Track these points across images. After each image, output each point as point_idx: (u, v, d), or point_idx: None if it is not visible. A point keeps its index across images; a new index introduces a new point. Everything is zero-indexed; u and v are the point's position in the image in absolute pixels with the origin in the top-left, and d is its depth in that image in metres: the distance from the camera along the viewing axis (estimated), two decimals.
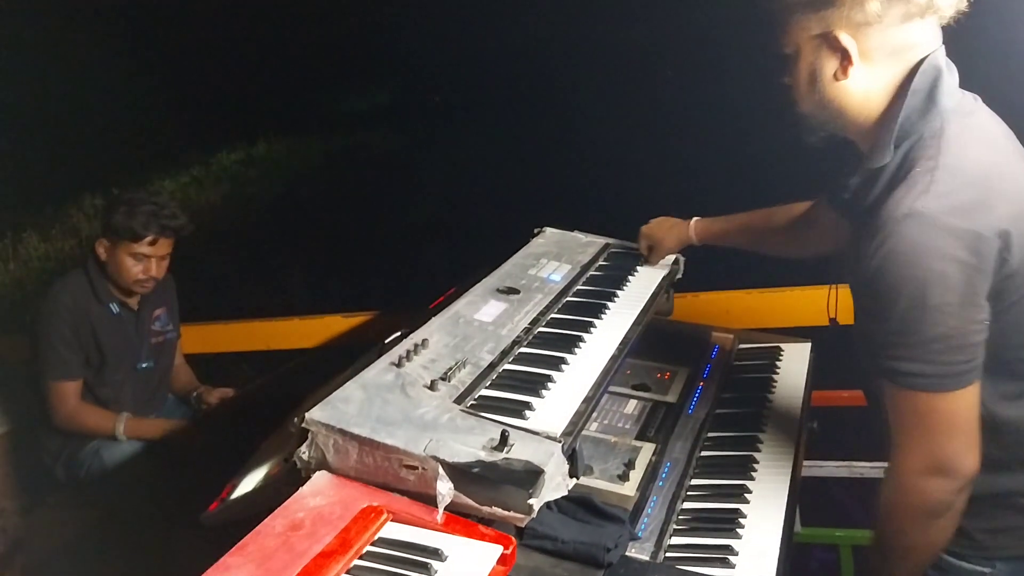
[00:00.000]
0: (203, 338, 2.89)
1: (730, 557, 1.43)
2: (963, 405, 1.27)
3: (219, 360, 3.01)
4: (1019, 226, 1.25)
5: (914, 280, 1.22)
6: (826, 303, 2.04)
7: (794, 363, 2.11)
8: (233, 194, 3.14)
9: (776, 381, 2.02)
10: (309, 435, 1.32)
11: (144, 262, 2.49)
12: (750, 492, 1.61)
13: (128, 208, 2.45)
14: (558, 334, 1.71)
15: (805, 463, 1.82)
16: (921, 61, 1.29)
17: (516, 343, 1.65)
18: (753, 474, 1.67)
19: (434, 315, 1.73)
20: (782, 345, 2.18)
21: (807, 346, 2.18)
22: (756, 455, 1.73)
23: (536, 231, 2.28)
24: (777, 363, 2.10)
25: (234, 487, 1.73)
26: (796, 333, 2.26)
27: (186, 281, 2.75)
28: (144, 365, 2.62)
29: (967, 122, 1.31)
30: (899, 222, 1.23)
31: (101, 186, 2.50)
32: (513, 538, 1.25)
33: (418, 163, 2.97)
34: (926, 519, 1.30)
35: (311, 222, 3.11)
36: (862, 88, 1.33)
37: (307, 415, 1.31)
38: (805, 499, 1.96)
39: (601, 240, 2.24)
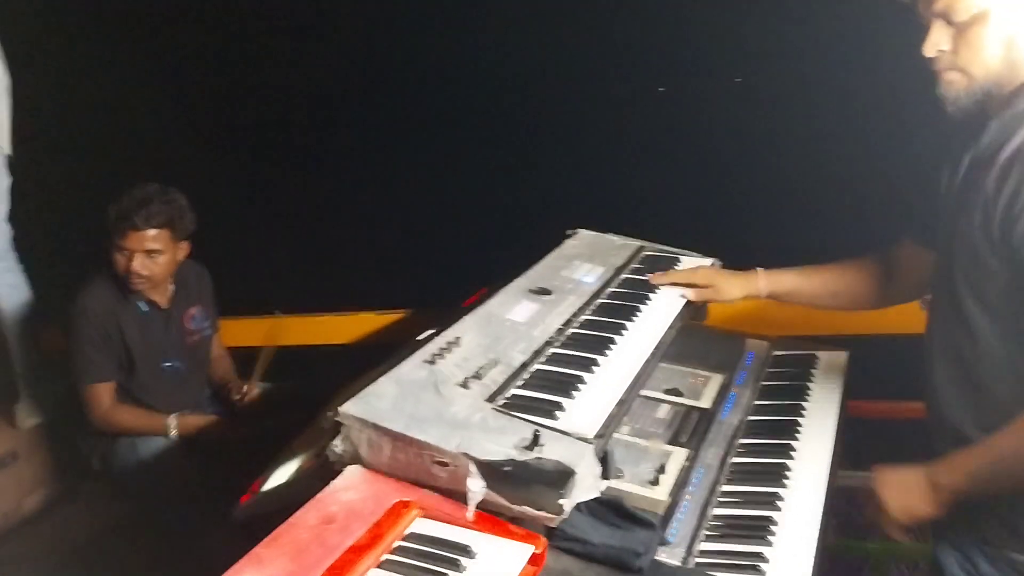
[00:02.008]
0: (235, 333, 2.91)
1: (761, 564, 1.41)
2: None
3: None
4: None
5: None
6: (865, 312, 2.01)
7: (830, 372, 2.08)
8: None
9: (811, 390, 1.99)
10: (342, 429, 1.33)
11: (127, 257, 2.42)
12: (782, 500, 1.59)
13: (115, 202, 2.41)
14: (590, 336, 1.71)
15: (840, 472, 1.79)
16: None
17: (548, 343, 1.65)
18: (786, 482, 1.64)
19: (467, 314, 1.73)
20: (818, 353, 2.15)
21: (844, 355, 2.15)
22: (789, 463, 1.70)
23: (569, 233, 2.27)
24: (812, 371, 2.07)
25: (265, 480, 1.75)
26: (833, 342, 2.22)
27: (220, 275, 2.77)
28: (169, 364, 2.60)
29: None
30: None
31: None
32: (544, 538, 1.24)
33: (452, 161, 2.98)
34: None
35: (344, 217, 3.12)
36: None
37: (341, 409, 1.32)
38: (838, 510, 1.92)
39: (635, 243, 2.23)
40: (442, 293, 2.19)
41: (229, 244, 2.86)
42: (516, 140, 2.88)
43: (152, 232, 2.42)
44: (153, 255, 2.44)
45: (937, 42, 1.35)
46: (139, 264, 2.43)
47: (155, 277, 2.48)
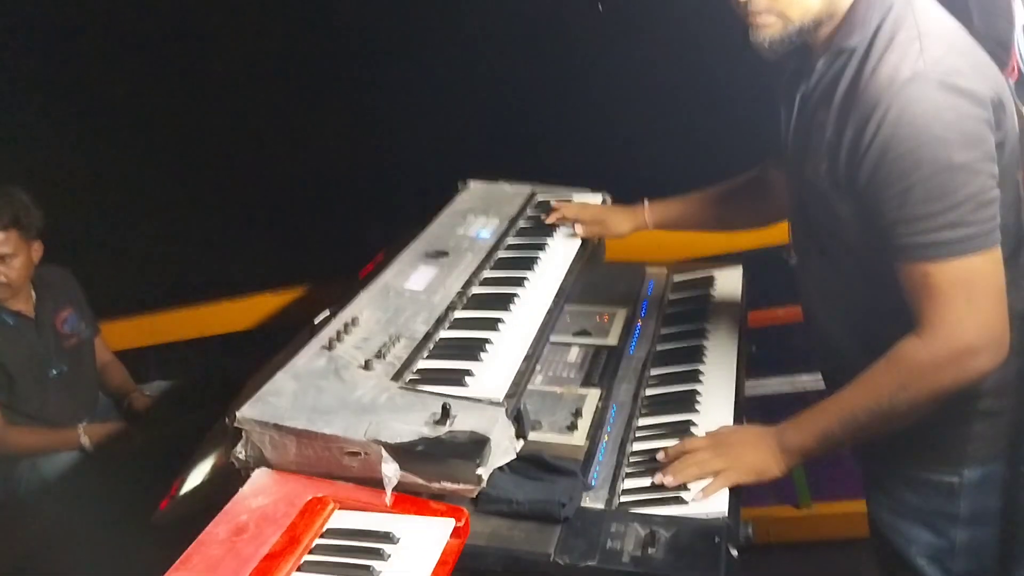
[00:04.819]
0: (129, 333, 2.78)
1: (682, 494, 1.45)
2: (999, 263, 1.24)
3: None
4: (1001, 95, 1.26)
5: (935, 140, 1.19)
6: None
7: (728, 289, 2.13)
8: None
9: (712, 310, 2.03)
10: (243, 433, 1.28)
11: None
12: (695, 425, 1.63)
13: None
14: (492, 294, 1.69)
15: (748, 383, 1.85)
16: None
17: (450, 309, 1.62)
18: (697, 407, 1.68)
19: (363, 288, 1.68)
20: (715, 272, 2.19)
21: (739, 270, 2.20)
22: (698, 388, 1.74)
23: (460, 185, 2.22)
24: (711, 291, 2.11)
25: (183, 483, 1.68)
26: (731, 259, 2.27)
27: (98, 275, 2.63)
28: (56, 372, 2.49)
29: None
30: (904, 86, 1.20)
31: None
32: (465, 509, 1.24)
33: (329, 124, 2.86)
34: (956, 388, 1.27)
35: (224, 198, 2.97)
36: None
37: (238, 413, 1.27)
38: (753, 419, 2.00)
39: (526, 188, 2.20)
40: (339, 261, 2.13)
41: (101, 242, 2.70)
42: (394, 94, 2.79)
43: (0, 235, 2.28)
44: (6, 259, 2.32)
45: None
46: None
47: (13, 283, 2.36)
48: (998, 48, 2.00)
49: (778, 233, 2.20)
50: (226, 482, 1.34)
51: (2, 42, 2.82)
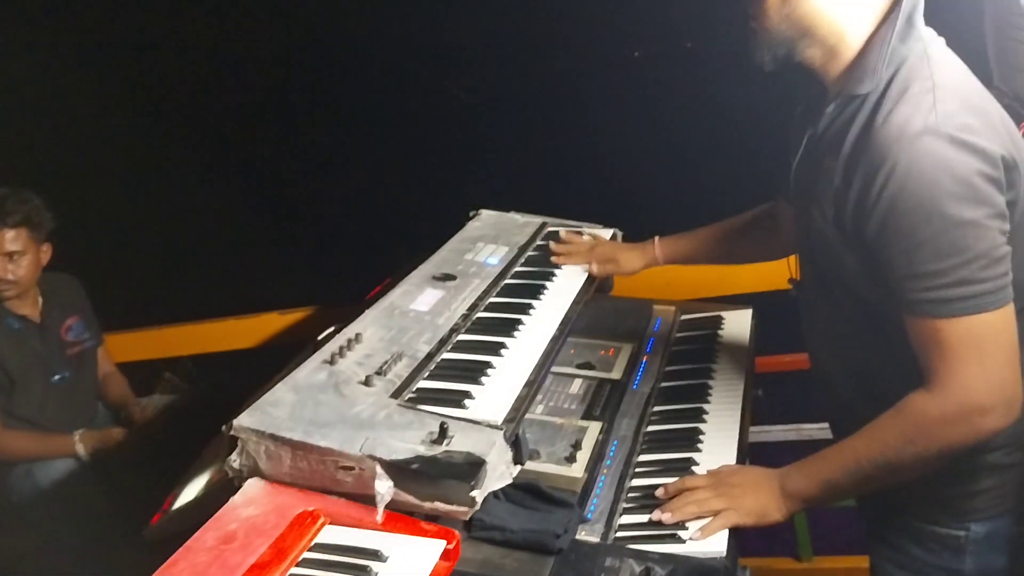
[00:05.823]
0: (134, 345, 2.79)
1: (680, 532, 1.42)
2: (1012, 321, 1.23)
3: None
4: (1015, 155, 1.24)
5: (946, 196, 1.17)
6: (767, 269, 2.06)
7: (736, 331, 2.11)
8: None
9: (719, 350, 2.02)
10: (239, 442, 1.27)
11: None
12: (697, 464, 1.60)
13: None
14: (496, 319, 1.68)
15: (752, 429, 1.82)
16: None
17: (454, 331, 1.62)
18: (699, 446, 1.66)
19: (369, 308, 1.68)
20: (723, 314, 2.18)
21: (748, 313, 2.18)
22: (701, 427, 1.72)
23: (471, 214, 2.24)
24: (719, 332, 2.10)
25: (176, 497, 1.67)
26: (740, 300, 2.26)
27: (110, 285, 2.64)
28: (58, 377, 2.50)
29: (942, 47, 1.30)
30: (914, 140, 1.18)
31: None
32: (456, 532, 1.22)
33: (347, 151, 2.90)
34: (964, 445, 1.26)
35: (242, 216, 3.00)
36: (844, 8, 1.28)
37: (235, 422, 1.26)
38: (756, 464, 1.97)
39: (538, 220, 2.21)
40: (348, 286, 2.13)
41: (119, 252, 2.72)
42: (411, 125, 2.83)
43: (10, 232, 2.32)
44: (14, 257, 2.34)
45: None
46: (3, 268, 2.33)
47: (21, 282, 2.38)
48: (1017, 104, 2.01)
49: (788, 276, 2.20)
50: (219, 498, 1.32)
51: (24, 49, 2.89)
